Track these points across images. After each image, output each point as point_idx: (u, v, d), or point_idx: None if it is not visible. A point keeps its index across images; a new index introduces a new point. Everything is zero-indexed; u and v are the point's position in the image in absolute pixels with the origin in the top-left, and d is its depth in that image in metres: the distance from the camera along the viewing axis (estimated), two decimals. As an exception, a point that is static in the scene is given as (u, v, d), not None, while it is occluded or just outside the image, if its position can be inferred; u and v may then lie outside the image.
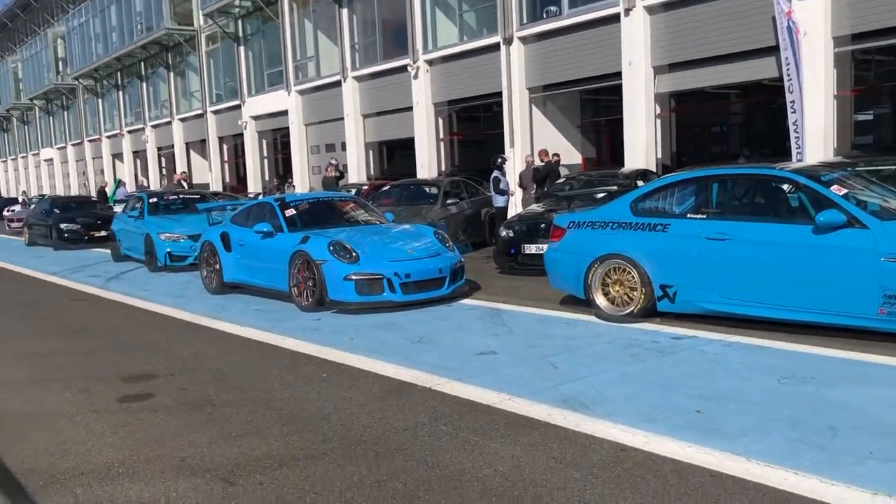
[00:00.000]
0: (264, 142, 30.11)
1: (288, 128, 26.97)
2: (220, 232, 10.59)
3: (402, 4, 20.94)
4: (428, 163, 20.98)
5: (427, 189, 14.88)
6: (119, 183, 30.91)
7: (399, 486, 3.76)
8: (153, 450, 4.46)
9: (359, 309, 8.40)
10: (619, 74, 15.81)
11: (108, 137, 42.18)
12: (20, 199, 40.77)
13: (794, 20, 12.32)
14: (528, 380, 5.44)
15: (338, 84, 23.98)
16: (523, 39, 18.07)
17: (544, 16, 17.76)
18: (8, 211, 33.68)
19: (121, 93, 40.25)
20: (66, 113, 48.50)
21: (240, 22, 29.00)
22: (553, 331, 7.05)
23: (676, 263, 6.87)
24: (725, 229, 6.61)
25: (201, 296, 10.43)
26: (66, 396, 5.74)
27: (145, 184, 34.30)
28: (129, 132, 39.64)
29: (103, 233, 18.36)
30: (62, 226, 19.56)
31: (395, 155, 25.28)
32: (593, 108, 20.27)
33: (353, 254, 8.47)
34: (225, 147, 32.63)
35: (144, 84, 37.42)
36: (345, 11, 23.33)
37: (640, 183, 11.31)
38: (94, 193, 33.95)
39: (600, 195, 11.17)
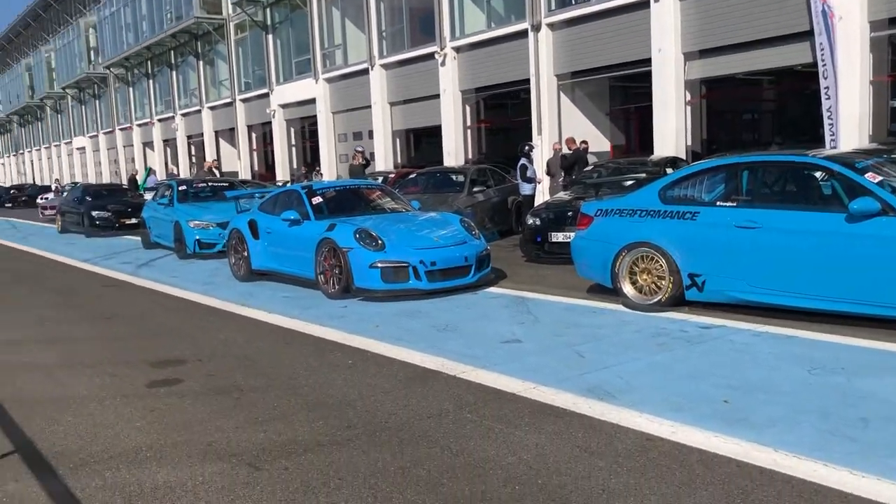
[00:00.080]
0: (292, 130, 30.28)
1: (316, 116, 27.08)
2: (247, 219, 10.65)
3: (430, -9, 20.88)
4: (455, 151, 20.95)
5: (453, 177, 14.84)
6: (149, 171, 31.24)
7: (423, 472, 3.76)
8: (180, 434, 4.51)
9: (384, 296, 8.41)
10: (648, 61, 15.65)
11: (139, 126, 42.69)
12: (53, 187, 41.42)
13: (828, 4, 12.08)
14: (553, 368, 5.41)
15: (365, 72, 24.01)
16: (552, 26, 17.93)
17: (573, 2, 17.61)
18: (41, 198, 34.24)
19: (151, 81, 40.68)
20: (97, 102, 49.15)
21: (268, 10, 29.12)
22: (579, 319, 7.01)
23: (705, 252, 6.78)
24: (756, 217, 6.50)
25: (229, 283, 10.51)
26: (96, 381, 5.82)
27: (175, 172, 34.67)
28: (160, 120, 40.08)
29: (134, 220, 18.58)
30: (94, 213, 19.81)
31: (421, 143, 25.28)
32: (622, 95, 20.08)
33: (379, 241, 8.47)
34: (253, 135, 32.86)
35: (174, 73, 37.79)
36: (372, -1, 23.32)
37: (669, 171, 11.17)
38: (125, 181, 34.37)
39: (628, 183, 11.05)
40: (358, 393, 5.14)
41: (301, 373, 5.73)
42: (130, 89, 43.57)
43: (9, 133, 72.45)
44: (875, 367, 5.02)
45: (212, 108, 34.59)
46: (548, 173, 15.97)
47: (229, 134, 34.05)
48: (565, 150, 15.62)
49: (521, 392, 4.91)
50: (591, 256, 7.79)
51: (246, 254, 10.46)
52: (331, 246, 8.73)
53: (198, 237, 13.33)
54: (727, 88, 18.32)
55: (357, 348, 6.38)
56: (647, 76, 15.86)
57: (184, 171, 35.77)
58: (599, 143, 18.63)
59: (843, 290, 6.00)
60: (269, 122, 30.05)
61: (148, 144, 42.21)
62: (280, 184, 22.80)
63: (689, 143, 15.69)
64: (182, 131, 37.66)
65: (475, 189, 13.87)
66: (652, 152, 15.39)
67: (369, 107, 24.02)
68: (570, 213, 10.33)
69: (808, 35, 12.73)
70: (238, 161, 32.60)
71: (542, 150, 17.53)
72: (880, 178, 6.13)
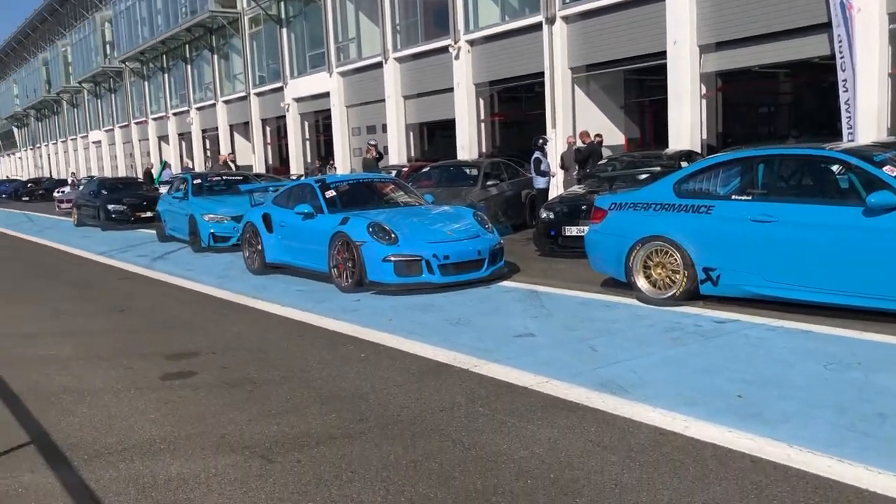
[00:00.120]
0: (306, 124, 30.32)
1: (329, 110, 27.10)
2: (261, 213, 10.68)
3: (444, -16, 20.82)
4: (468, 144, 20.91)
5: (467, 170, 14.81)
6: (165, 164, 31.42)
7: (435, 466, 3.76)
8: (194, 426, 4.53)
9: (397, 290, 8.42)
10: (663, 54, 15.54)
11: (154, 120, 42.90)
12: (69, 181, 41.68)
13: (847, -4, 11.93)
14: (566, 362, 5.40)
15: (379, 65, 23.99)
16: (566, 18, 17.84)
17: (587, -6, 17.48)
18: (58, 192, 34.46)
19: (166, 75, 40.85)
20: (113, 96, 49.42)
21: (282, 4, 29.14)
22: (593, 314, 6.98)
23: (720, 246, 6.73)
24: (771, 211, 6.45)
25: (244, 276, 10.56)
26: (111, 373, 5.86)
27: (190, 165, 34.83)
28: (175, 114, 40.25)
29: (149, 214, 18.69)
30: (109, 207, 19.95)
31: (435, 136, 25.25)
32: (637, 88, 19.95)
33: (392, 235, 8.47)
34: (268, 129, 32.94)
35: (189, 67, 37.92)
36: (386, -8, 23.28)
37: (684, 164, 11.11)
38: (140, 175, 34.55)
39: (643, 176, 10.99)
40: (370, 386, 5.14)
41: (314, 366, 5.75)
42: (146, 83, 43.78)
43: (26, 127, 72.99)
44: (892, 362, 4.97)
45: (226, 102, 34.70)
46: (562, 167, 15.91)
47: (244, 128, 34.14)
48: (579, 144, 15.55)
49: (533, 386, 4.90)
50: (605, 250, 7.76)
51: (260, 247, 10.50)
52: (344, 239, 8.74)
53: (212, 230, 13.38)
54: (743, 81, 18.16)
55: (370, 341, 6.39)
56: (663, 69, 15.75)
57: (199, 165, 35.93)
58: (614, 136, 18.53)
59: (860, 285, 5.95)
60: (284, 116, 30.10)
61: (163, 138, 42.41)
62: (294, 177, 22.84)
63: (705, 136, 15.58)
64: (197, 125, 37.80)
65: (489, 183, 13.84)
66: (667, 146, 15.29)
67: (383, 100, 24.01)
68: (584, 207, 10.28)
69: (825, 27, 12.59)
70: (252, 155, 32.70)
71: (556, 144, 17.45)
72: (898, 171, 6.06)
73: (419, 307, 7.69)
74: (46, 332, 7.60)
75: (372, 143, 17.66)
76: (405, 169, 18.42)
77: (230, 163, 24.47)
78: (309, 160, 29.79)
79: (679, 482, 3.43)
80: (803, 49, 13.61)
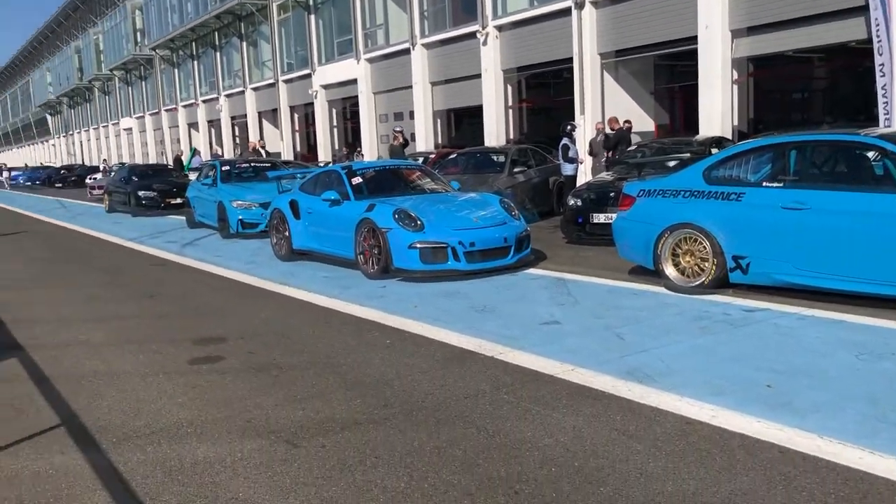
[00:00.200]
0: (334, 111, 30.38)
1: (357, 96, 27.12)
2: (289, 199, 10.73)
3: (472, -30, 20.67)
4: (496, 131, 20.81)
5: (494, 157, 14.74)
6: (194, 151, 31.68)
7: (459, 452, 3.76)
8: (220, 411, 4.57)
9: (423, 277, 8.41)
10: (694, 38, 15.31)
11: (185, 107, 43.25)
12: (101, 168, 42.24)
13: (884, -22, 11.64)
14: (592, 350, 5.36)
15: (406, 52, 23.94)
16: (595, 3, 17.65)
17: (617, -22, 17.26)
18: (90, 179, 34.94)
19: (195, 63, 41.15)
20: (144, 83, 49.91)
21: (310, -10, 29.17)
22: (620, 301, 6.92)
23: (750, 233, 6.63)
24: (804, 198, 6.34)
25: (271, 262, 10.62)
26: (140, 358, 5.94)
27: (219, 153, 35.10)
28: (204, 101, 40.55)
29: (179, 200, 18.87)
30: (140, 193, 20.18)
31: (462, 123, 25.16)
32: (667, 73, 19.70)
33: (418, 222, 8.46)
34: (296, 116, 33.06)
35: (218, 54, 38.15)
36: (414, -22, 23.19)
37: (714, 151, 10.95)
38: (170, 162, 34.90)
39: (672, 163, 10.86)
40: (395, 372, 5.15)
41: (339, 351, 5.77)
42: (175, 70, 44.14)
43: (59, 114, 74.05)
44: (926, 352, 4.87)
45: (255, 89, 34.87)
46: (590, 153, 15.79)
47: (272, 115, 34.31)
48: (608, 130, 15.41)
49: (559, 374, 4.88)
50: (632, 238, 7.69)
51: (287, 234, 10.55)
52: (370, 226, 8.75)
53: (240, 217, 13.47)
54: (776, 66, 17.85)
55: (395, 328, 6.40)
56: (693, 54, 15.52)
57: (228, 152, 36.19)
58: (643, 122, 18.34)
59: (894, 274, 5.82)
60: (311, 103, 30.19)
61: (193, 125, 42.77)
62: (322, 165, 22.91)
63: (736, 122, 15.35)
64: (226, 112, 38.05)
65: (516, 170, 13.76)
66: (697, 132, 15.09)
67: (410, 87, 23.96)
68: (611, 194, 10.20)
69: (862, 10, 12.31)
70: (280, 142, 32.86)
71: (584, 130, 17.31)
72: (936, 157, 5.91)
73: (445, 294, 7.68)
74: (78, 317, 7.72)
75: (398, 129, 17.66)
76: (432, 156, 18.39)
77: (260, 149, 24.60)
78: (336, 147, 29.87)
79: (705, 472, 3.39)
80: (839, 33, 13.32)
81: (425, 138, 23.61)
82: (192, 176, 21.10)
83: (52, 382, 5.37)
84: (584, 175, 15.47)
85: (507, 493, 3.31)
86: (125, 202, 20.77)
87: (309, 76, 29.72)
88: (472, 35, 21.08)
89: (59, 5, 64.13)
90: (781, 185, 6.61)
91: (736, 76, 15.26)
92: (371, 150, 26.38)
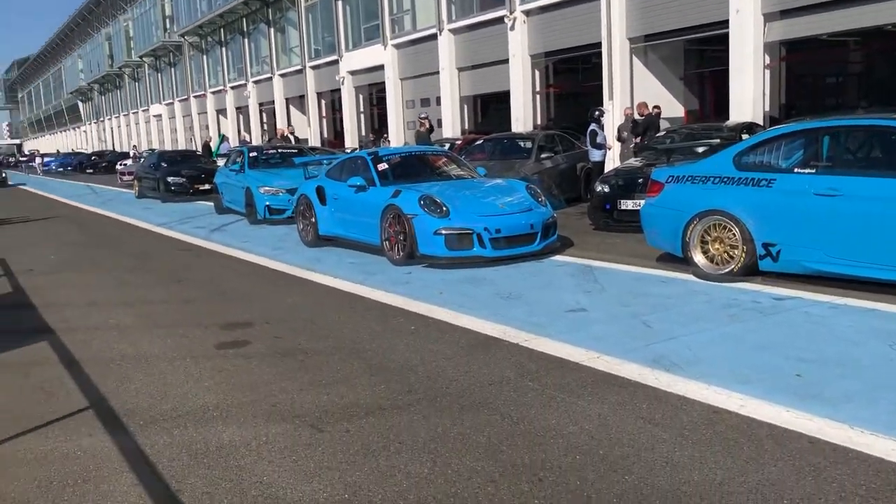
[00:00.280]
0: (360, 97, 30.37)
1: (384, 83, 27.07)
2: (315, 186, 10.75)
3: (499, -46, 20.49)
4: (523, 117, 20.67)
5: (521, 143, 14.64)
6: (223, 138, 31.88)
7: (482, 439, 3.74)
8: (246, 395, 4.60)
9: (449, 263, 8.39)
10: (725, 23, 15.05)
11: (213, 93, 43.51)
12: (131, 154, 42.69)
13: (923, -42, 11.35)
14: (619, 338, 5.31)
15: (433, 37, 23.82)
16: (624, -13, 17.41)
17: (647, -39, 17.01)
18: (120, 165, 35.34)
19: (224, 49, 41.34)
20: (173, 70, 50.27)
21: (338, -24, 29.10)
22: (648, 289, 6.85)
23: (781, 220, 6.52)
24: (836, 184, 6.20)
25: (298, 248, 10.67)
26: (168, 342, 5.99)
27: (248, 139, 35.28)
28: (232, 88, 40.76)
29: (207, 186, 19.00)
30: (169, 179, 20.35)
31: (489, 109, 25.03)
32: (697, 58, 19.42)
33: (444, 208, 8.43)
34: (323, 102, 33.11)
35: (246, 40, 38.29)
36: (441, -38, 23.04)
37: (745, 136, 10.77)
38: (199, 148, 35.16)
39: (701, 149, 10.70)
40: (420, 358, 5.14)
41: (364, 337, 5.78)
42: (204, 57, 44.39)
43: (90, 101, 74.91)
44: (962, 342, 4.76)
45: (282, 76, 34.97)
46: (618, 139, 15.62)
47: (299, 101, 34.40)
48: (637, 116, 15.23)
49: (584, 361, 4.84)
50: (661, 224, 7.60)
51: (313, 220, 10.58)
52: (396, 212, 8.74)
53: (268, 203, 13.54)
54: (809, 50, 17.49)
55: (420, 314, 6.39)
56: (724, 39, 15.26)
57: (256, 139, 36.38)
58: (673, 108, 18.10)
59: (930, 262, 5.70)
60: (338, 90, 30.21)
61: (221, 112, 43.03)
62: (348, 151, 22.94)
63: (767, 108, 15.09)
64: (254, 98, 38.23)
65: (543, 156, 13.65)
66: (727, 118, 14.87)
67: (437, 73, 23.86)
68: (640, 180, 10.07)
69: (899, -8, 12.03)
70: (308, 128, 32.95)
71: (612, 116, 17.12)
72: (975, 143, 5.76)
73: (470, 281, 7.65)
74: (108, 301, 7.81)
75: (423, 116, 17.60)
76: (458, 142, 18.32)
77: (290, 136, 24.68)
78: (363, 133, 29.89)
79: (732, 461, 3.34)
80: (875, 16, 13.02)
81: (452, 124, 23.53)
82: (221, 162, 21.24)
83: (82, 366, 5.44)
84: (612, 161, 15.31)
85: (531, 481, 3.29)
86: (154, 188, 20.96)
87: (336, 62, 29.73)
88: (500, 20, 20.91)
89: (90, -7, 64.76)
90: (814, 171, 6.48)
91: (768, 61, 14.99)
92: (397, 136, 26.34)
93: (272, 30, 35.27)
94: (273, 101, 35.96)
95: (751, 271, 6.78)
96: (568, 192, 13.93)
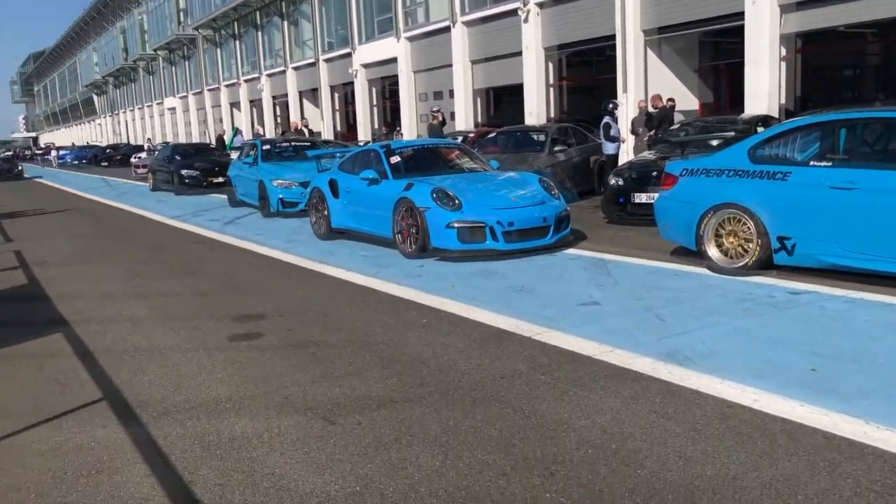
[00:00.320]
0: (373, 90, 30.35)
1: (397, 75, 27.03)
2: (328, 178, 10.76)
3: (513, -55, 20.39)
4: (536, 109, 20.59)
5: (534, 136, 14.59)
6: (236, 131, 31.97)
7: (494, 432, 3.73)
8: (259, 387, 4.61)
9: (461, 256, 8.38)
10: (741, 14, 14.91)
11: (227, 86, 43.61)
12: (145, 147, 42.87)
13: (942, -51, 11.20)
14: (631, 332, 5.28)
15: (447, 30, 23.76)
16: (638, -21, 17.28)
17: (662, -47, 16.88)
18: (135, 157, 35.49)
19: (237, 42, 41.41)
20: (187, 63, 50.41)
21: (351, -32, 29.07)
22: (661, 282, 6.81)
23: (796, 214, 6.46)
24: (853, 178, 6.14)
25: (310, 241, 10.68)
26: (181, 334, 6.02)
27: (261, 132, 35.37)
28: (246, 81, 40.83)
29: (220, 179, 19.06)
30: (183, 172, 20.43)
31: (502, 102, 24.94)
32: (712, 50, 19.26)
33: (456, 201, 8.41)
34: (336, 95, 33.12)
35: (260, 33, 38.34)
36: (454, -46, 22.95)
37: (760, 129, 10.69)
38: (213, 141, 35.27)
39: (716, 142, 10.62)
40: (432, 351, 5.14)
41: (377, 330, 5.78)
42: (218, 50, 44.49)
43: (105, 94, 75.27)
44: (981, 338, 4.71)
45: (296, 69, 34.99)
46: (632, 132, 15.54)
47: (312, 94, 34.42)
48: (651, 109, 15.14)
49: (597, 355, 4.82)
50: (675, 218, 7.55)
51: (326, 212, 10.59)
52: (408, 205, 8.73)
53: (281, 196, 13.56)
54: (825, 42, 17.32)
55: (432, 307, 6.38)
56: (740, 31, 15.13)
57: (269, 132, 36.44)
58: (687, 100, 17.98)
59: (948, 256, 5.63)
60: (352, 83, 30.20)
61: (235, 105, 43.13)
62: (361, 144, 22.93)
63: (783, 100, 14.95)
64: (267, 91, 38.29)
65: (556, 149, 13.60)
66: (742, 110, 14.75)
67: (450, 65, 23.80)
68: (654, 173, 10.02)
69: (918, -17, 11.88)
70: (321, 121, 32.97)
71: (626, 109, 17.03)
72: None
73: (482, 274, 7.64)
74: (122, 293, 7.85)
75: (435, 109, 17.56)
76: (471, 135, 18.27)
77: (304, 128, 24.70)
78: (376, 126, 29.88)
79: (746, 456, 3.32)
80: (893, 7, 12.86)
81: (465, 117, 23.47)
82: (234, 155, 21.30)
83: (96, 357, 5.47)
84: (626, 154, 15.22)
85: (543, 474, 3.28)
86: (168, 181, 21.05)
87: (349, 55, 29.71)
88: (513, 12, 20.83)
89: (104, -14, 65.02)
90: (830, 164, 6.42)
91: (784, 53, 14.85)
92: (410, 129, 26.31)
93: (285, 23, 35.29)
94: (286, 95, 36.01)
95: (765, 265, 6.73)
96: (581, 186, 13.88)
